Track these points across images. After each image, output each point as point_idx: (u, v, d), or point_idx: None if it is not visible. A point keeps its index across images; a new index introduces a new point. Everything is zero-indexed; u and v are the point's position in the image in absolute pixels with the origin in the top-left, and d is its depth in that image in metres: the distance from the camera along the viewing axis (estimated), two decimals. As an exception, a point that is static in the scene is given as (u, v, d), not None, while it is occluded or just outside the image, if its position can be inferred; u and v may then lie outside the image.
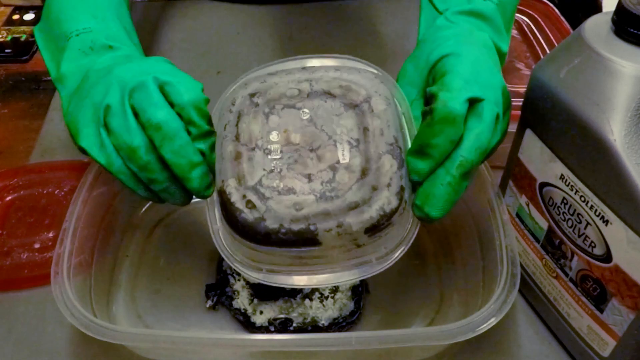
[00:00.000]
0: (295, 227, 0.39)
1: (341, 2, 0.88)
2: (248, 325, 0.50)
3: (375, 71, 0.46)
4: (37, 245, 0.55)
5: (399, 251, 0.42)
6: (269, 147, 0.43)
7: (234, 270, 0.50)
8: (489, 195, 0.48)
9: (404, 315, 0.51)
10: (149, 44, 0.83)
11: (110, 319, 0.50)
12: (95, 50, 0.49)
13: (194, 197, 0.45)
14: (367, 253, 0.41)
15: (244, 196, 0.40)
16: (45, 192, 0.60)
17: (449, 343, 0.43)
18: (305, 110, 0.44)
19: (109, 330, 0.41)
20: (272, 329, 0.49)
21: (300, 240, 0.39)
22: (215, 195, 0.43)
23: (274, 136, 0.43)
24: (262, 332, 0.49)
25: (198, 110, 0.43)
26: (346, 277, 0.42)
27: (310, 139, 0.43)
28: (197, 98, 0.43)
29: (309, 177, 0.41)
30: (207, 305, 0.52)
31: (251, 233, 0.40)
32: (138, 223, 0.59)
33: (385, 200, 0.40)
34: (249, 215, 0.40)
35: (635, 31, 0.37)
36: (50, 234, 0.56)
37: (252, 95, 0.45)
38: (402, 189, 0.40)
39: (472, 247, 0.51)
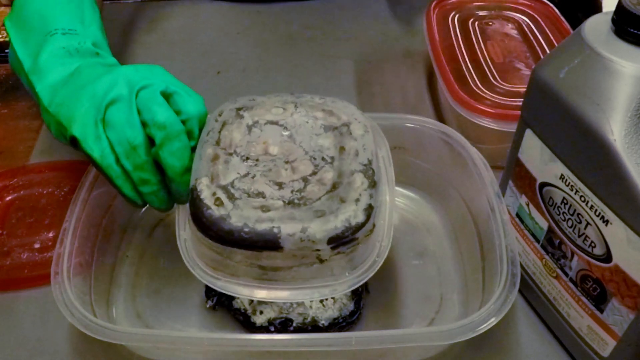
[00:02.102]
0: (259, 227, 0.39)
1: (342, 2, 0.89)
2: (248, 325, 0.49)
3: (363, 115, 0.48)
4: (37, 245, 0.55)
5: (363, 277, 0.42)
6: (246, 154, 0.44)
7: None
8: (489, 195, 0.48)
9: (404, 315, 0.51)
10: (149, 44, 0.83)
11: (110, 319, 0.50)
12: (82, 53, 0.48)
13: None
14: (329, 274, 0.41)
15: (214, 194, 0.41)
16: (45, 192, 0.60)
17: (449, 343, 0.43)
18: (287, 127, 0.46)
19: (109, 330, 0.41)
20: (272, 329, 0.49)
21: (262, 242, 0.39)
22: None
23: (253, 146, 0.45)
24: (262, 332, 0.49)
25: (201, 124, 0.45)
26: (303, 296, 0.42)
27: (287, 152, 0.45)
28: (202, 112, 0.45)
29: (280, 185, 0.43)
30: (207, 306, 0.51)
31: (214, 229, 0.40)
32: (138, 223, 0.59)
33: (352, 212, 0.40)
34: (215, 211, 0.40)
35: (635, 31, 0.37)
36: (50, 234, 0.56)
37: (238, 109, 0.47)
38: (370, 207, 0.41)
39: (472, 247, 0.51)
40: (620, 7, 0.37)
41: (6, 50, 0.80)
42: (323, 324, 0.49)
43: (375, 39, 0.82)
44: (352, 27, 0.84)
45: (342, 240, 0.40)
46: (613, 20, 0.38)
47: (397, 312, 0.52)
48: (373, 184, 0.42)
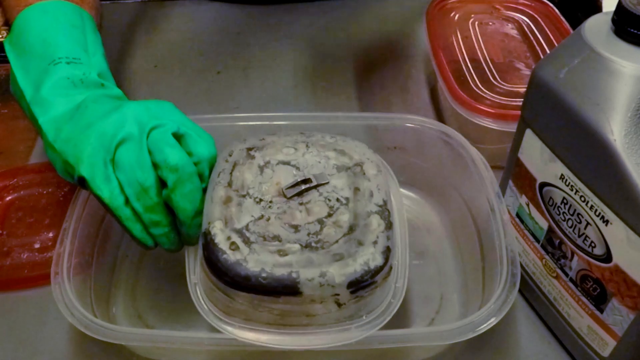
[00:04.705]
0: (277, 272, 0.39)
1: (341, 2, 0.88)
2: (248, 326, 0.49)
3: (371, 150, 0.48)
4: (37, 245, 0.55)
5: (380, 321, 0.41)
6: (259, 196, 0.44)
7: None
8: (489, 195, 0.48)
9: (404, 315, 0.51)
10: (149, 44, 0.83)
11: (110, 319, 0.50)
12: (86, 84, 0.47)
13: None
14: (347, 318, 0.41)
15: (229, 238, 0.41)
16: (45, 192, 0.60)
17: (449, 343, 0.43)
18: (299, 167, 0.46)
19: (109, 330, 0.41)
20: (272, 329, 0.49)
21: (280, 287, 0.39)
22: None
23: (266, 187, 0.44)
24: (262, 332, 0.49)
25: (211, 165, 0.44)
26: (320, 342, 0.41)
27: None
28: (213, 154, 0.44)
29: (296, 228, 0.42)
30: (207, 305, 0.51)
31: (231, 275, 0.39)
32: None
33: (371, 256, 0.40)
34: (231, 256, 0.40)
35: (635, 31, 0.37)
36: (50, 234, 0.56)
37: (249, 149, 0.47)
38: (388, 249, 0.41)
39: (472, 247, 0.51)
40: (620, 7, 0.37)
41: (6, 50, 0.80)
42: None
43: (375, 39, 0.82)
44: (352, 27, 0.84)
45: (361, 285, 0.39)
46: (613, 20, 0.38)
47: (397, 312, 0.52)
48: (389, 226, 0.42)
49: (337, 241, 0.41)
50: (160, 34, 0.85)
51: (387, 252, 0.40)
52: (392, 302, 0.42)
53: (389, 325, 0.50)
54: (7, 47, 0.51)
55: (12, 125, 0.70)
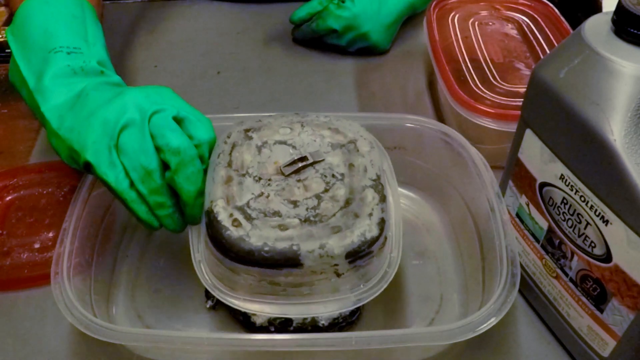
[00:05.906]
0: (279, 245, 0.40)
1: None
2: (248, 325, 0.49)
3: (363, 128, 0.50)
4: (37, 245, 0.55)
5: (377, 289, 0.43)
6: (258, 175, 0.46)
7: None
8: (489, 195, 0.48)
9: (404, 315, 0.51)
10: (149, 44, 0.83)
11: (110, 319, 0.50)
12: (86, 71, 0.49)
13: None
14: (346, 286, 0.42)
15: (231, 215, 0.42)
16: (45, 192, 0.60)
17: (449, 343, 0.43)
18: (295, 146, 0.48)
19: (109, 330, 0.41)
20: (272, 329, 0.49)
21: (282, 260, 0.40)
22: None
23: (264, 166, 0.46)
24: (262, 332, 0.49)
25: (211, 148, 0.46)
26: (322, 310, 0.43)
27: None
28: (213, 137, 0.46)
29: (295, 203, 0.44)
30: (207, 306, 0.51)
31: (235, 250, 0.41)
32: (138, 223, 0.58)
33: (367, 227, 0.41)
34: (234, 232, 0.41)
35: (635, 31, 0.37)
36: (50, 234, 0.56)
37: (247, 130, 0.49)
38: (382, 220, 0.42)
39: (472, 247, 0.51)
40: (620, 7, 0.37)
41: (7, 50, 0.80)
42: (323, 324, 0.49)
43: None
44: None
45: (359, 254, 0.41)
46: (613, 20, 0.38)
47: (397, 312, 0.52)
48: (383, 198, 0.44)
49: (334, 214, 0.43)
50: (160, 34, 0.85)
51: (382, 224, 0.42)
52: (387, 272, 0.43)
53: (389, 325, 0.51)
54: (9, 37, 0.52)
55: (12, 125, 0.70)
